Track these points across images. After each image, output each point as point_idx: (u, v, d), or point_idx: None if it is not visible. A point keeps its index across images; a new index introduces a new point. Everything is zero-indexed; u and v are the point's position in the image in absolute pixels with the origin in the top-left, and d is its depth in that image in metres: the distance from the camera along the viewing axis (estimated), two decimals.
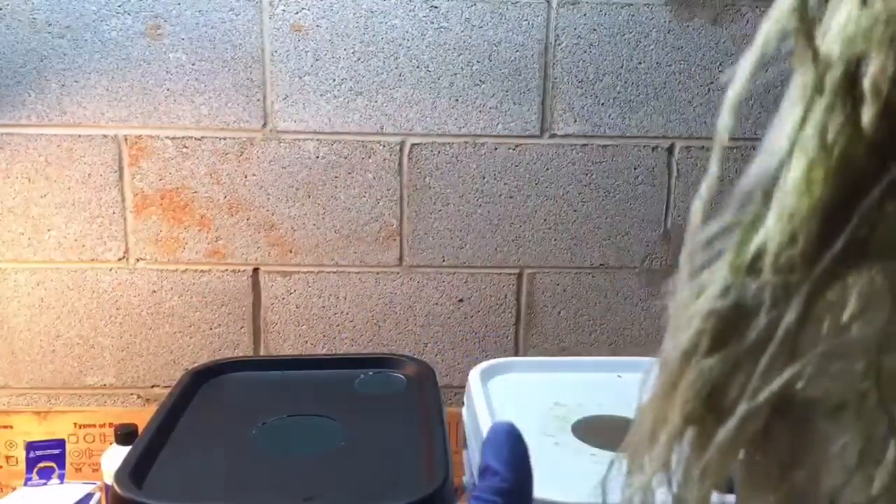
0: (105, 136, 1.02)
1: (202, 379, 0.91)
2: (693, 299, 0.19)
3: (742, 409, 0.19)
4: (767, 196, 0.19)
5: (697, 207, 0.20)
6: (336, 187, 1.05)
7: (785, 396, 0.19)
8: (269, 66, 1.02)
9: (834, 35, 0.18)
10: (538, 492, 0.63)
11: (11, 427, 1.06)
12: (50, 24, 0.99)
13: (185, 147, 1.03)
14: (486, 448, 0.36)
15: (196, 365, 0.96)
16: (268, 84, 1.02)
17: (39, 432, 1.05)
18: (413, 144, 1.04)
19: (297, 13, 1.01)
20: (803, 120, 0.18)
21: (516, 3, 1.02)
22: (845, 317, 0.18)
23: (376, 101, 1.03)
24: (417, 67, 1.03)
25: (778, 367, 0.18)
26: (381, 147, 1.04)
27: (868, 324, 0.18)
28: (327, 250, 1.07)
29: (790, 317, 0.18)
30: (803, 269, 0.18)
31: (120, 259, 1.05)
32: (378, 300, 1.08)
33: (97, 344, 1.07)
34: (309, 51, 1.02)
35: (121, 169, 1.03)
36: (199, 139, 1.03)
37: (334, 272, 1.07)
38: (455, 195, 1.06)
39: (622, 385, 0.89)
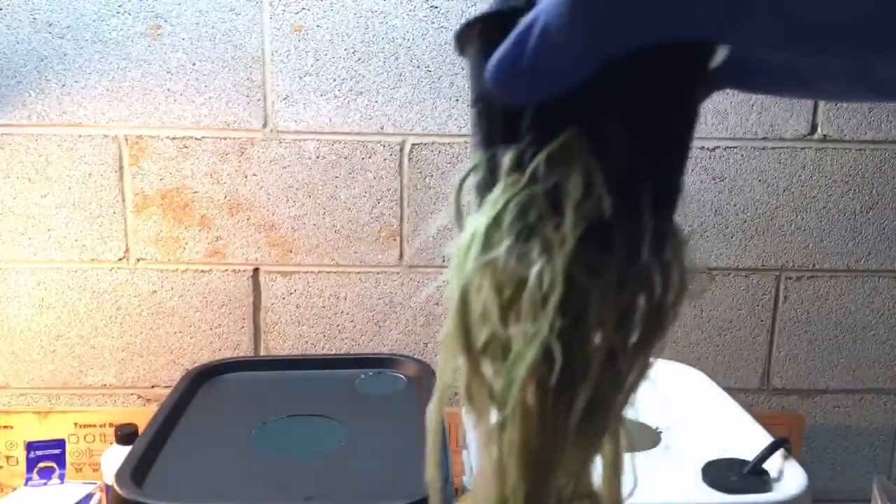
0: (105, 136, 1.02)
1: (202, 379, 0.91)
2: None
3: None
4: None
5: None
6: (336, 187, 1.05)
7: None
8: (269, 66, 1.02)
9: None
10: None
11: (11, 427, 1.06)
12: (50, 24, 0.99)
13: (185, 147, 1.03)
14: None
15: (196, 365, 0.96)
16: (268, 84, 1.02)
17: (39, 432, 1.05)
18: (413, 144, 1.04)
19: (297, 13, 1.01)
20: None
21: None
22: None
23: (376, 101, 1.03)
24: (417, 67, 1.03)
25: None
26: (381, 147, 1.04)
27: None
28: (327, 250, 1.07)
29: None
30: None
31: (120, 259, 1.05)
32: (378, 300, 1.08)
33: (97, 344, 1.07)
34: (309, 51, 1.02)
35: (121, 169, 1.03)
36: (199, 139, 1.03)
37: (334, 272, 1.07)
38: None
39: None
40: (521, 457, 0.24)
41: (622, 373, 0.25)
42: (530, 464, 0.24)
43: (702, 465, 0.69)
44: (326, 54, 1.02)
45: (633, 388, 0.25)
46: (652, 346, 0.25)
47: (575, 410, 0.24)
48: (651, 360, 0.25)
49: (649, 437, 0.76)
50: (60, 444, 1.03)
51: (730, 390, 0.87)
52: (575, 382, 0.24)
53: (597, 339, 0.24)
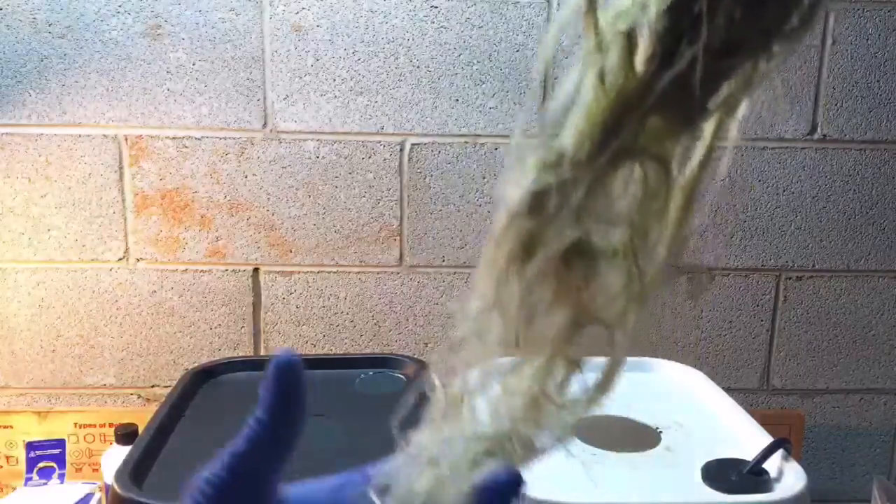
0: (105, 136, 1.02)
1: (202, 379, 0.91)
2: (518, 184, 0.28)
3: (542, 251, 0.28)
4: (565, 116, 0.27)
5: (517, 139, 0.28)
6: (336, 187, 1.05)
7: (577, 245, 0.28)
8: (269, 66, 1.02)
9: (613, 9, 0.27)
10: (538, 492, 0.63)
11: (11, 427, 1.06)
12: (50, 24, 0.99)
13: (185, 147, 1.03)
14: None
15: (196, 365, 0.96)
16: (268, 84, 1.02)
17: (39, 432, 1.05)
18: (413, 144, 1.04)
19: (297, 13, 1.01)
20: (587, 68, 0.27)
21: (516, 3, 1.02)
22: (615, 195, 0.28)
23: (376, 101, 1.03)
24: (417, 67, 1.03)
25: (569, 226, 0.27)
26: (381, 147, 1.04)
27: (630, 202, 0.28)
28: (327, 250, 1.07)
29: (576, 196, 0.27)
30: (589, 164, 0.27)
31: (120, 259, 1.05)
32: (378, 300, 1.08)
33: (97, 344, 1.07)
34: (309, 51, 1.02)
35: (121, 169, 1.03)
36: (199, 139, 1.03)
37: (334, 272, 1.07)
38: (455, 195, 1.06)
39: (622, 385, 0.88)
40: (614, 94, 0.26)
41: None
42: (616, 104, 0.26)
43: (702, 465, 0.69)
44: (326, 54, 1.02)
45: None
46: None
47: None
48: None
49: (649, 437, 0.76)
50: (60, 444, 1.03)
51: (730, 390, 0.87)
52: None
53: None
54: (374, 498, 0.30)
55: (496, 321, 0.30)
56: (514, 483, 0.32)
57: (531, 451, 0.31)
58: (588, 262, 0.29)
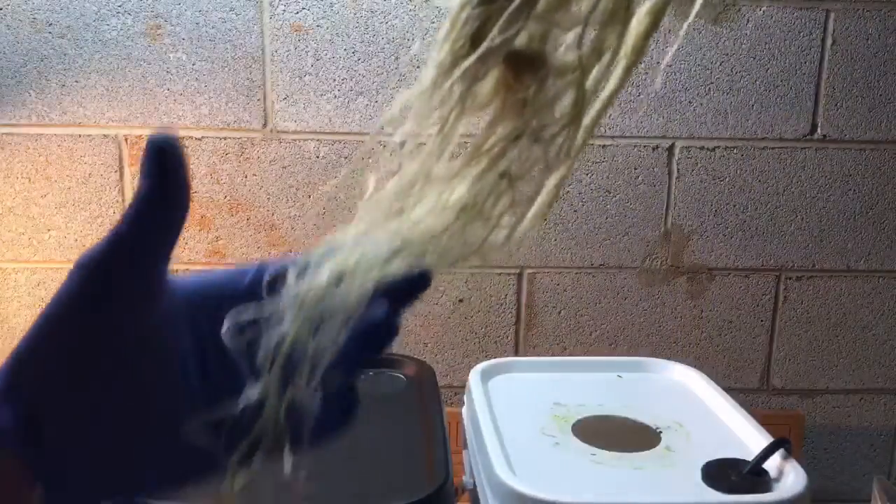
0: (105, 136, 1.02)
1: None
2: None
3: (484, 45, 0.26)
4: None
5: None
6: (336, 187, 1.05)
7: (528, 54, 0.27)
8: (269, 66, 1.02)
9: None
10: (538, 492, 0.63)
11: None
12: (50, 24, 0.99)
13: (185, 147, 1.03)
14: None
15: None
16: (268, 84, 1.02)
17: None
18: None
19: (297, 13, 1.01)
20: None
21: None
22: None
23: (376, 101, 1.03)
24: (417, 67, 1.03)
25: (516, 23, 0.26)
26: (381, 147, 1.04)
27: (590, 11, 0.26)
28: None
29: None
30: None
31: None
32: None
33: None
34: (309, 51, 1.02)
35: (121, 169, 1.03)
36: (199, 139, 1.03)
37: None
38: None
39: (622, 385, 0.89)
40: None
41: None
42: None
43: (702, 465, 0.69)
44: (326, 54, 1.02)
45: None
46: None
47: None
48: None
49: (649, 437, 0.76)
50: None
51: (730, 390, 0.87)
52: None
53: None
54: (291, 282, 0.28)
55: (435, 125, 0.29)
56: (423, 281, 0.31)
57: (448, 260, 0.29)
58: (538, 74, 0.27)
